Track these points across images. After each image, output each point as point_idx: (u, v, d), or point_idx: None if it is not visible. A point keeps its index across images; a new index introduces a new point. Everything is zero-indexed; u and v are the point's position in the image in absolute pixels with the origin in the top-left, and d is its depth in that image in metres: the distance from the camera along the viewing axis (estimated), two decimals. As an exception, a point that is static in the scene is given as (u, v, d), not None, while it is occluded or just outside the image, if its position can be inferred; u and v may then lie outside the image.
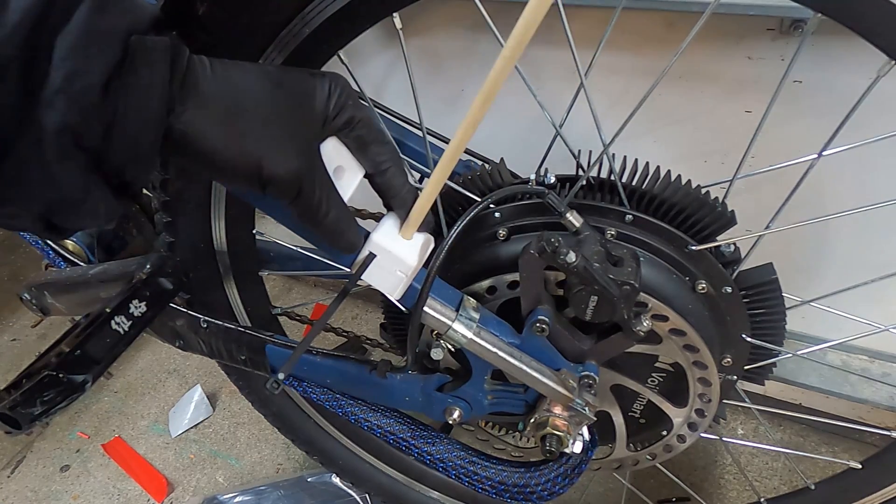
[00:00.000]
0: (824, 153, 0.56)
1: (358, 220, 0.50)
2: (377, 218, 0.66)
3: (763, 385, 0.73)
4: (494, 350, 0.58)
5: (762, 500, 0.84)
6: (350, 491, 1.13)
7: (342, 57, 0.61)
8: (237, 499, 1.18)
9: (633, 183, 0.63)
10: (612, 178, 0.63)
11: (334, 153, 0.46)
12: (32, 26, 0.30)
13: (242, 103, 0.40)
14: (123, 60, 0.34)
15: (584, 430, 0.65)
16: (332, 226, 0.46)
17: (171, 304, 0.69)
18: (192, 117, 0.38)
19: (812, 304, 0.68)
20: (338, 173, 0.47)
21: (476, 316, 0.58)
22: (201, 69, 0.38)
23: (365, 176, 0.49)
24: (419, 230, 0.51)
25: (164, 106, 0.36)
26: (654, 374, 0.68)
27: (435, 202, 0.52)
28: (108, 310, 0.58)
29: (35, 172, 0.33)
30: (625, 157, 0.67)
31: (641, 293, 0.58)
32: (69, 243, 0.83)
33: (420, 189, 0.49)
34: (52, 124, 0.32)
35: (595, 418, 0.62)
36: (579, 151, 0.69)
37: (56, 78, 0.31)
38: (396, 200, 0.50)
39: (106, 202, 0.37)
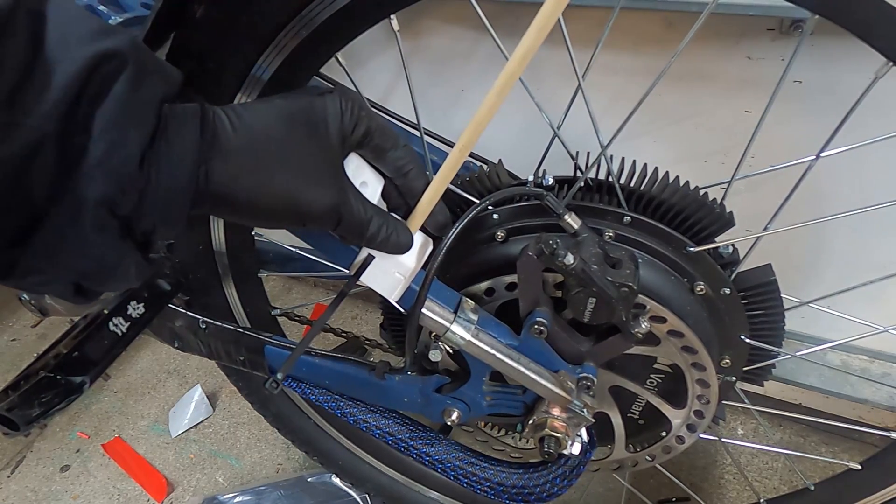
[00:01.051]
0: (823, 154, 0.56)
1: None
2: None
3: (762, 386, 0.73)
4: (492, 352, 0.58)
5: (762, 500, 0.84)
6: (350, 491, 1.13)
7: (340, 59, 0.61)
8: (237, 499, 1.18)
9: (632, 184, 0.62)
10: (611, 179, 0.63)
11: (357, 168, 0.46)
12: (71, 102, 0.30)
13: (265, 150, 0.40)
14: (157, 129, 0.34)
15: (583, 431, 0.65)
16: (379, 236, 0.47)
17: (171, 305, 0.69)
18: (222, 176, 0.38)
19: (811, 304, 0.68)
20: (363, 186, 0.47)
21: (474, 318, 0.58)
22: (221, 126, 0.38)
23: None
24: (433, 230, 0.52)
25: (196, 170, 0.36)
26: (652, 376, 0.68)
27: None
28: (106, 311, 0.58)
29: (71, 243, 0.33)
30: (623, 158, 0.66)
31: (640, 295, 0.58)
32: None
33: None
34: (92, 197, 0.32)
35: (593, 420, 0.62)
36: (577, 153, 0.69)
37: (96, 151, 0.32)
38: (416, 200, 0.50)
39: (137, 265, 0.37)
